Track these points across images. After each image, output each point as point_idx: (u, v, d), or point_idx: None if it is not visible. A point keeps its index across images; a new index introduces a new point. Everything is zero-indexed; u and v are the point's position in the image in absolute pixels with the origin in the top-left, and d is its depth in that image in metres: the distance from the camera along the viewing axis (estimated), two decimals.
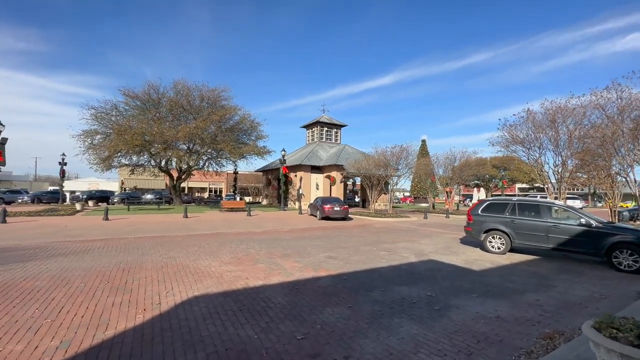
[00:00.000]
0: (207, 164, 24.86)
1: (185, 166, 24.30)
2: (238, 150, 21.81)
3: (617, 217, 15.56)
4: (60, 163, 28.28)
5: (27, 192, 33.05)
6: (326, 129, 33.91)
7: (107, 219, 15.40)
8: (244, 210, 22.36)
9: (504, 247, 8.60)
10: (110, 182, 60.26)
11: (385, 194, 30.91)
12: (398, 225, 16.22)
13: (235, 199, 38.64)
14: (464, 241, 10.85)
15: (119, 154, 22.14)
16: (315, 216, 18.35)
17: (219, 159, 24.25)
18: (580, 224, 7.48)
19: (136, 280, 5.66)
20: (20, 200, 30.10)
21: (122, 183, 52.88)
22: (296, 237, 11.34)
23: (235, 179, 36.78)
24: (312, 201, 21.49)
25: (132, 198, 35.66)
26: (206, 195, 57.87)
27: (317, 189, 28.30)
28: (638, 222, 19.00)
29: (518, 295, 5.23)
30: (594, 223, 7.40)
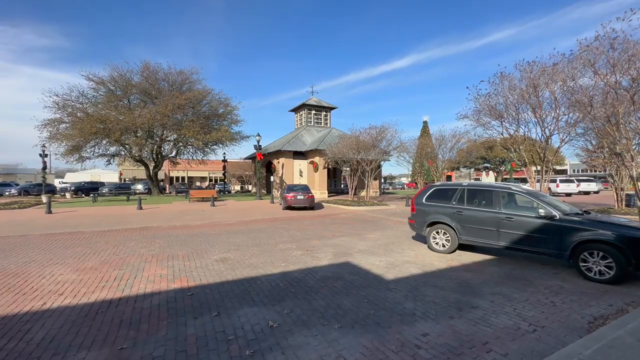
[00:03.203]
0: (179, 151, 23.54)
1: (154, 155, 23.15)
2: (203, 136, 20.26)
3: (623, 202, 13.23)
4: (41, 155, 27.87)
5: (16, 185, 33.16)
6: (314, 112, 31.86)
7: (50, 212, 14.45)
8: (215, 200, 21.17)
9: (449, 244, 6.81)
10: (113, 174, 60.63)
11: (375, 179, 28.98)
12: (366, 214, 14.48)
13: (224, 187, 37.72)
14: (417, 236, 9.07)
15: (88, 144, 21.22)
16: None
17: (188, 146, 22.84)
18: (539, 216, 5.58)
19: None
20: (7, 193, 30.15)
21: (121, 174, 53.05)
22: (229, 232, 9.91)
23: (224, 167, 35.59)
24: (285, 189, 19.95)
25: (121, 189, 35.42)
26: (205, 184, 57.46)
27: (301, 176, 26.68)
28: None
29: (403, 326, 3.56)
30: (556, 214, 5.48)
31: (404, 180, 77.74)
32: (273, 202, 19.59)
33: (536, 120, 9.48)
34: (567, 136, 9.32)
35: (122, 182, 47.35)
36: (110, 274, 5.51)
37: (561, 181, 29.14)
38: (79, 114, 19.68)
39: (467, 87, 10.24)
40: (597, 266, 5.03)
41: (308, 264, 6.14)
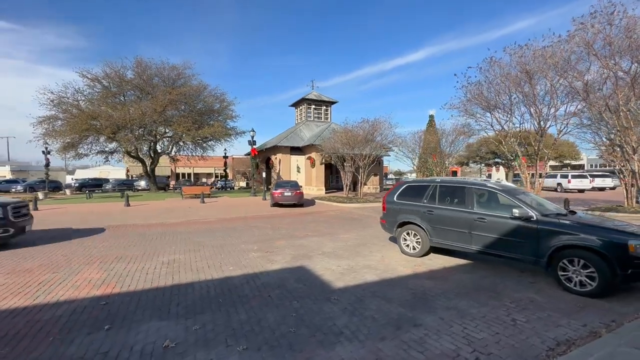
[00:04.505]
0: (174, 147, 23.34)
1: (151, 151, 23.01)
2: (194, 132, 19.89)
3: (634, 200, 12.15)
4: (43, 152, 28.30)
5: (23, 182, 33.91)
6: (314, 106, 31.17)
7: (36, 208, 14.41)
8: (208, 196, 20.91)
9: (419, 247, 6.15)
10: (122, 170, 61.51)
11: (375, 175, 28.18)
12: (354, 212, 13.82)
13: (226, 184, 37.60)
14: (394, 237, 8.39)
15: (85, 140, 21.26)
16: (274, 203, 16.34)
17: (181, 142, 22.56)
18: (513, 217, 4.86)
19: None
20: (13, 190, 30.85)
21: (128, 170, 53.82)
22: (200, 230, 9.51)
23: (225, 164, 35.45)
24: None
25: (124, 185, 35.82)
26: (211, 180, 57.73)
27: (299, 171, 26.15)
28: None
29: (319, 350, 3.00)
30: (533, 215, 4.76)
31: (414, 176, 76.05)
32: (265, 199, 19.16)
33: (531, 111, 8.60)
34: (564, 127, 8.41)
35: (130, 178, 48.04)
36: (40, 277, 5.12)
37: (573, 177, 27.59)
38: (73, 111, 19.68)
39: (455, 75, 9.39)
40: (578, 276, 4.31)
41: (257, 268, 5.62)
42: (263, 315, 3.76)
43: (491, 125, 9.22)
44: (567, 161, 56.43)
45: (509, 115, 8.90)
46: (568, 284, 4.40)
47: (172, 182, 49.23)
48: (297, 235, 8.66)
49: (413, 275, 5.23)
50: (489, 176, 53.83)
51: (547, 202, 5.78)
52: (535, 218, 4.73)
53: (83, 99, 21.55)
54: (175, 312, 3.83)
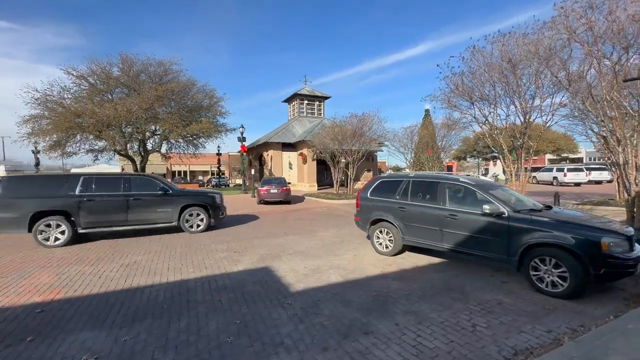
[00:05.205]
0: (162, 145, 22.94)
1: (140, 149, 22.62)
2: (182, 129, 19.47)
3: (625, 193, 11.86)
4: (33, 152, 27.96)
5: None
6: (307, 102, 30.76)
7: None
8: None
9: (392, 245, 5.87)
10: (118, 169, 61.08)
11: (369, 171, 27.87)
12: (340, 209, 13.52)
13: (220, 181, 37.30)
14: None
15: (72, 139, 20.92)
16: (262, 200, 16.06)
17: (171, 140, 22.18)
18: (484, 213, 4.57)
19: None
20: None
21: (123, 169, 53.46)
22: None
23: (218, 161, 35.10)
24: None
25: None
26: (207, 178, 57.40)
27: (291, 168, 25.84)
28: None
29: None
30: (505, 211, 4.46)
31: (407, 171, 75.66)
32: (254, 196, 18.86)
33: (515, 103, 8.26)
34: (550, 119, 8.08)
35: None
36: None
37: (569, 170, 27.27)
38: (58, 109, 19.30)
39: (438, 65, 9.03)
40: (550, 276, 4.03)
41: (219, 269, 5.34)
42: (206, 322, 3.48)
43: (474, 118, 8.90)
44: (565, 154, 56.05)
45: (493, 108, 8.57)
46: (540, 285, 4.12)
47: (168, 181, 48.88)
48: (276, 233, 8.38)
49: (381, 275, 4.95)
50: (487, 170, 53.28)
51: (526, 197, 5.50)
52: (506, 214, 4.44)
53: (70, 96, 21.13)
54: (112, 321, 3.55)
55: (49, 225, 6.98)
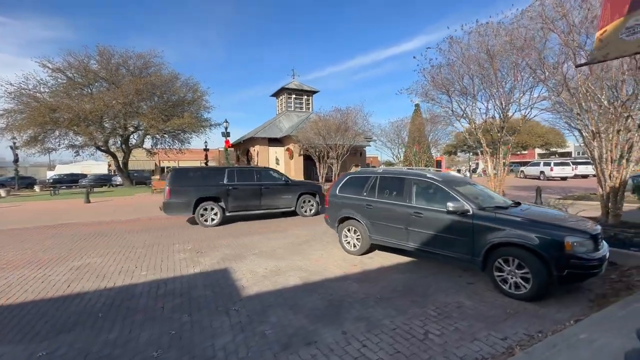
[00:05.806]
0: (143, 140, 22.34)
1: (121, 145, 22.06)
2: (162, 124, 18.93)
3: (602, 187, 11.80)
4: (11, 147, 27.09)
5: None
6: (294, 96, 30.22)
7: None
8: None
9: (360, 244, 5.62)
10: (105, 165, 59.81)
11: (356, 165, 27.65)
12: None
13: None
14: None
15: (52, 134, 20.23)
16: None
17: (157, 136, 21.59)
18: (448, 211, 4.33)
19: None
20: None
21: (109, 165, 52.38)
22: (147, 228, 8.87)
23: (206, 157, 34.44)
24: None
25: (101, 180, 34.69)
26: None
27: (278, 163, 25.45)
28: None
29: None
30: (469, 208, 4.24)
31: (404, 168, 75.44)
32: None
33: (494, 94, 8.04)
34: (528, 112, 7.89)
35: (113, 173, 46.69)
36: None
37: (556, 164, 27.44)
38: (33, 104, 18.57)
39: (415, 57, 8.75)
40: (513, 277, 3.82)
41: (174, 272, 5.04)
42: (138, 333, 3.19)
43: (452, 112, 8.66)
44: (554, 149, 56.60)
45: (472, 101, 8.34)
46: (503, 286, 3.92)
47: (157, 177, 48.11)
48: (247, 231, 8.08)
49: (342, 277, 4.71)
50: (477, 165, 53.49)
51: (496, 194, 5.31)
52: (471, 212, 4.21)
53: (47, 90, 20.38)
54: (36, 332, 3.24)
55: (206, 209, 8.52)
